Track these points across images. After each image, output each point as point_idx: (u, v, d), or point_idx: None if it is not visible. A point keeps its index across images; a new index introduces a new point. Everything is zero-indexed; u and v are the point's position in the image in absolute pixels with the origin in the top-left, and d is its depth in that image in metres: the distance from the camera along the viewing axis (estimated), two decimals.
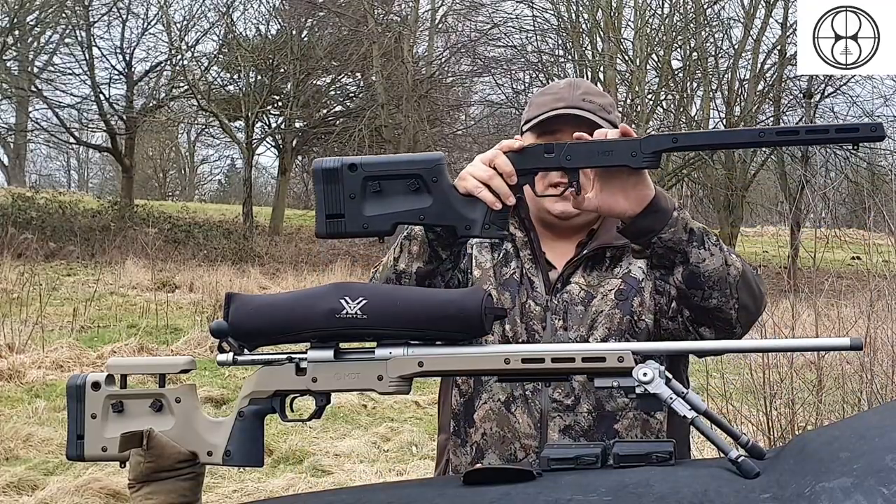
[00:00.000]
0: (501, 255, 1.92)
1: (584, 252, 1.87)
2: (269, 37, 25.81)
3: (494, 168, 1.61)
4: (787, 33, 21.77)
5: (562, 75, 22.76)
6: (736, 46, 23.03)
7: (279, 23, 26.02)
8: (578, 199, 1.62)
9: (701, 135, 1.53)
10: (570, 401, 1.81)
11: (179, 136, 37.89)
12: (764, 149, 23.74)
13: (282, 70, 25.47)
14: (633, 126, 22.33)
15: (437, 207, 1.55)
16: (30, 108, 26.92)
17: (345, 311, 1.36)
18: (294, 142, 26.95)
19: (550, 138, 1.84)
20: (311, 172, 1.60)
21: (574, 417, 1.80)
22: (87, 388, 1.43)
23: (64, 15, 24.32)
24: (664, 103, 23.84)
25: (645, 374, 1.29)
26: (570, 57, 23.70)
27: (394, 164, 1.57)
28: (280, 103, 26.97)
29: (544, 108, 1.87)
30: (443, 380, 1.97)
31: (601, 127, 1.83)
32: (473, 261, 1.92)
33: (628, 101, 22.58)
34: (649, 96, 22.63)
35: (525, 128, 1.92)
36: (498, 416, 1.83)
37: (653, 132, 23.55)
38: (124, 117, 24.92)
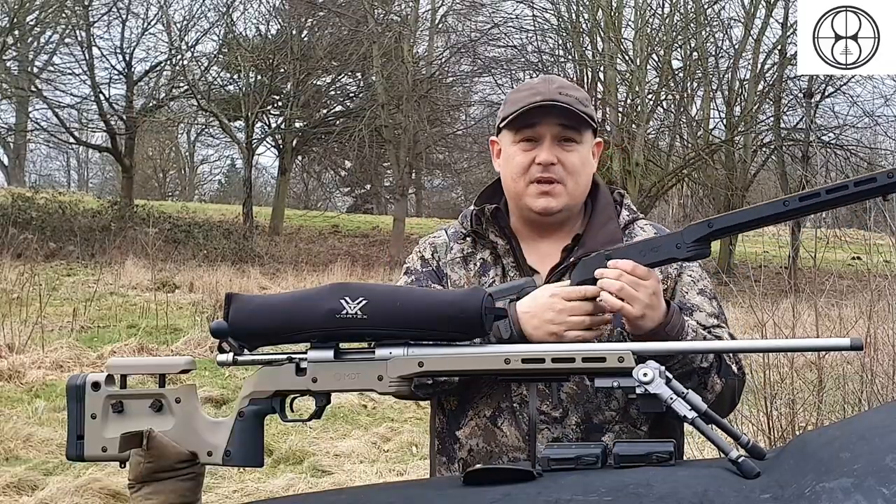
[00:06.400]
0: (478, 265, 1.90)
1: (571, 259, 1.83)
2: (269, 37, 25.80)
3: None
4: (787, 33, 21.76)
5: (562, 75, 22.74)
6: (736, 46, 23.03)
7: (279, 23, 26.02)
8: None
9: (733, 215, 1.58)
10: (558, 413, 1.79)
11: (179, 136, 37.91)
12: (765, 149, 23.81)
13: (282, 70, 25.45)
14: (633, 126, 22.25)
15: None
16: (30, 108, 26.90)
17: (345, 311, 1.35)
18: (294, 142, 26.94)
19: (529, 132, 1.85)
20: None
21: (562, 430, 1.79)
22: (87, 388, 1.43)
23: (64, 15, 24.30)
24: (664, 103, 23.83)
25: (645, 375, 1.29)
26: (570, 57, 23.70)
27: None
28: (280, 103, 26.95)
29: (521, 103, 1.85)
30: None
31: (581, 117, 1.84)
32: (449, 281, 1.91)
33: (628, 101, 22.57)
34: (649, 96, 22.62)
35: (502, 125, 1.90)
36: (484, 432, 1.81)
37: (653, 132, 23.57)
38: (124, 117, 24.89)
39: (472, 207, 1.99)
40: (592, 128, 1.90)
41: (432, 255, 1.95)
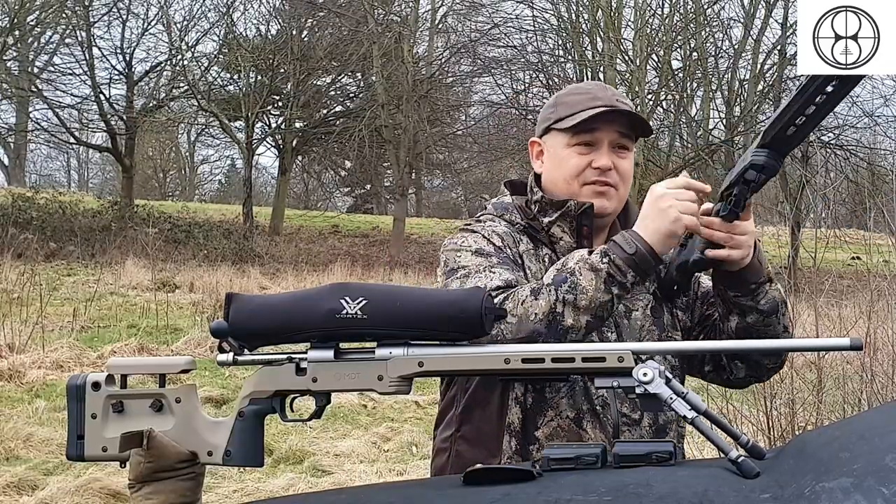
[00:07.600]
0: (546, 262, 1.85)
1: None
2: (269, 37, 25.80)
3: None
4: (787, 33, 21.75)
5: (562, 75, 22.76)
6: (736, 46, 23.03)
7: (279, 23, 26.02)
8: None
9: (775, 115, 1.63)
10: (636, 415, 1.81)
11: (179, 136, 37.91)
12: None
13: (282, 70, 25.46)
14: None
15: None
16: (30, 109, 26.89)
17: (345, 311, 1.35)
18: (294, 142, 26.93)
19: (588, 136, 1.85)
20: None
21: (640, 431, 1.81)
22: (87, 388, 1.43)
23: (64, 15, 24.30)
24: (664, 103, 23.83)
25: (645, 374, 1.29)
26: (570, 57, 23.68)
27: None
28: (280, 103, 26.96)
29: (580, 107, 1.85)
30: (458, 383, 1.89)
31: (644, 122, 1.89)
32: (528, 271, 1.85)
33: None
34: (649, 96, 22.61)
35: (559, 126, 1.88)
36: (568, 433, 1.78)
37: (653, 133, 23.57)
38: (124, 117, 24.89)
39: (510, 198, 1.94)
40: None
41: (503, 243, 1.85)
